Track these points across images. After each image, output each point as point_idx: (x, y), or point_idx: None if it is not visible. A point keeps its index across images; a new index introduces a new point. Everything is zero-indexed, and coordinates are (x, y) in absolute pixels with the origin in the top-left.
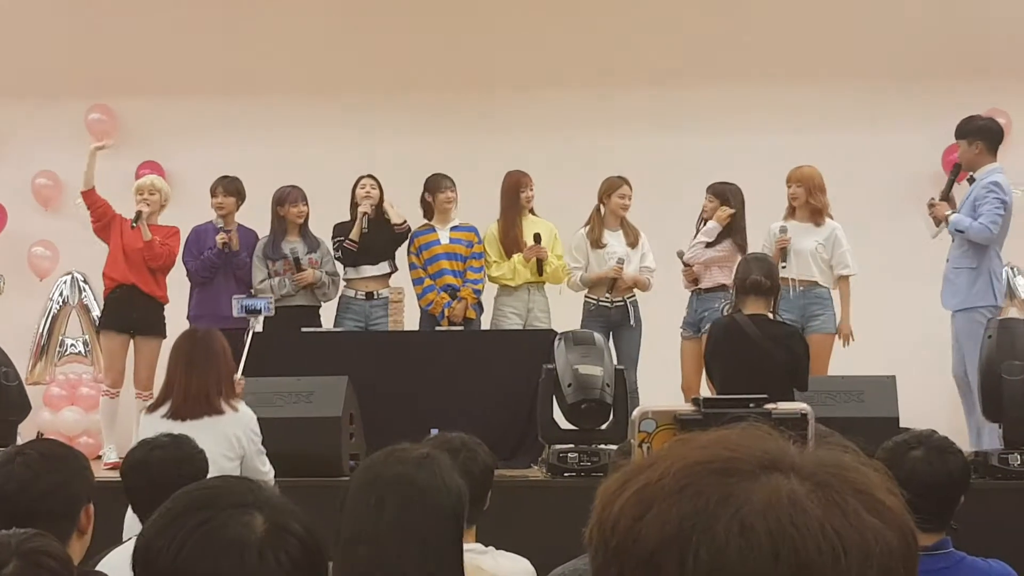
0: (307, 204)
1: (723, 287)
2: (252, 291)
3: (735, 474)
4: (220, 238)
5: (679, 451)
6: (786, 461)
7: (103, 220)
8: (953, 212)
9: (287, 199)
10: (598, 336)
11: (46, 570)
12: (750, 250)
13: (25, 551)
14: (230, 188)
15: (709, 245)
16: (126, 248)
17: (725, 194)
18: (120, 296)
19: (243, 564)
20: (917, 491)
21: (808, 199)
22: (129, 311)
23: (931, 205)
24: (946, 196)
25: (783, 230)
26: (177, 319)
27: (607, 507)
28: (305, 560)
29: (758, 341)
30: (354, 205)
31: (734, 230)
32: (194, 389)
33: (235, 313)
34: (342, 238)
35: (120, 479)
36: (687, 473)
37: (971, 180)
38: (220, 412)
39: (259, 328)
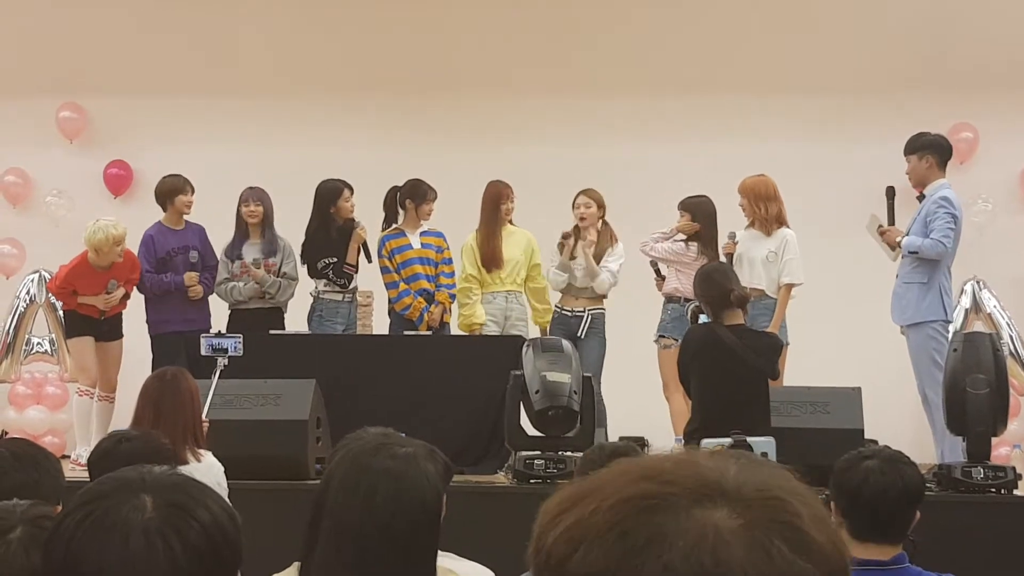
0: (261, 204)
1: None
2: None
3: (664, 511)
4: (190, 282)
5: (614, 483)
6: (719, 489)
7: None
8: (903, 236)
9: (241, 200)
10: (566, 343)
11: None
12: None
13: (31, 517)
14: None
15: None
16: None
17: (693, 208)
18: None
19: (128, 548)
20: (871, 499)
21: (754, 209)
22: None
23: (881, 232)
24: (892, 220)
25: (731, 236)
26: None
27: (542, 537)
28: (206, 547)
29: (740, 352)
30: (324, 211)
31: (703, 241)
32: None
33: (203, 352)
34: (336, 260)
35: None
36: (617, 510)
37: (921, 197)
38: (185, 463)
39: (226, 363)
